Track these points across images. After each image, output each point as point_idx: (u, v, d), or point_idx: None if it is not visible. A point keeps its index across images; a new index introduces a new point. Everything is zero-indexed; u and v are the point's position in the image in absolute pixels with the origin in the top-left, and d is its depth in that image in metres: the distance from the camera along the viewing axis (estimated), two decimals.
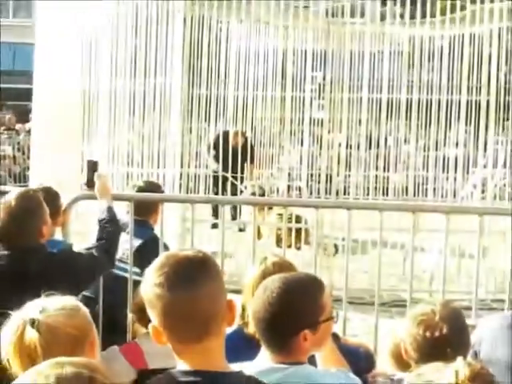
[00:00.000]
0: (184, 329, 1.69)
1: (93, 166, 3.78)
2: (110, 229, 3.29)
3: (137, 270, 3.74)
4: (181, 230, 6.57)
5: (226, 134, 9.05)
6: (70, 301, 1.96)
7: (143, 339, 3.15)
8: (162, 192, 4.69)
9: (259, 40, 10.98)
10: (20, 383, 1.29)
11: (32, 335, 1.79)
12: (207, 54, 8.45)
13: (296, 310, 2.12)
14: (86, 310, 1.96)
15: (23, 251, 2.86)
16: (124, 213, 4.06)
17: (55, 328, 1.82)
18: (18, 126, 16.39)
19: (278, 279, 2.21)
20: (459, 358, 1.50)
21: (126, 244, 3.80)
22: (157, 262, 1.76)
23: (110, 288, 3.59)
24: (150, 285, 1.71)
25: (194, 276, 1.70)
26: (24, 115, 17.11)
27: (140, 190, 4.27)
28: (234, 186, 8.75)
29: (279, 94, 11.20)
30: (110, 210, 3.41)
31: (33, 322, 1.80)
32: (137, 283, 3.68)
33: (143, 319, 2.27)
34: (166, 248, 3.92)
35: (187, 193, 8.54)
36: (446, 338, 2.24)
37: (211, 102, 9.75)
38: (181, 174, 7.00)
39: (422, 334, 2.26)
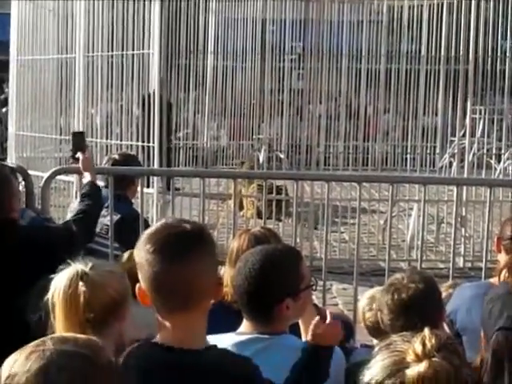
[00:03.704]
0: (169, 298, 1.71)
1: (79, 138, 3.72)
2: (89, 202, 3.27)
3: (116, 244, 3.75)
4: (162, 202, 6.56)
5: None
6: (117, 268, 2.14)
7: None
8: (139, 163, 4.66)
9: (238, 10, 10.89)
10: (16, 359, 1.29)
11: (81, 288, 1.92)
12: (186, 24, 8.36)
13: (277, 280, 2.16)
14: (127, 281, 2.05)
15: None
16: (102, 187, 4.05)
17: (100, 285, 1.95)
18: None
19: (258, 252, 2.24)
20: (426, 329, 1.53)
21: (104, 219, 3.80)
22: (154, 228, 1.78)
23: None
24: (143, 249, 1.72)
25: (187, 248, 1.71)
26: None
27: (115, 163, 4.22)
28: None
29: (258, 64, 11.17)
30: (91, 184, 3.39)
31: (82, 275, 1.94)
32: (115, 258, 3.70)
33: None
34: (146, 223, 3.92)
35: (168, 165, 8.52)
36: (414, 299, 2.30)
37: (190, 72, 9.70)
38: (160, 146, 6.96)
39: (392, 297, 2.33)
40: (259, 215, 7.04)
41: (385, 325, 2.35)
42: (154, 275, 1.69)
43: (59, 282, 1.94)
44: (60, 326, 1.90)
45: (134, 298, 2.03)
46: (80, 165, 3.50)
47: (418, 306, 2.28)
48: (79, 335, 1.43)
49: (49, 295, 1.94)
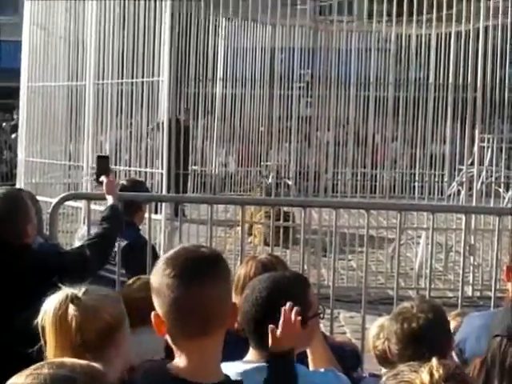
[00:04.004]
0: (187, 323, 1.70)
1: (103, 161, 3.75)
2: (107, 226, 3.28)
3: (122, 271, 3.75)
4: (169, 229, 6.56)
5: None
6: (112, 292, 2.10)
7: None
8: (147, 189, 4.67)
9: (247, 38, 10.99)
10: (14, 382, 1.29)
11: (72, 312, 1.88)
12: (195, 52, 8.44)
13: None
14: (124, 307, 2.03)
15: (9, 251, 2.85)
16: None
17: (93, 309, 1.91)
18: (3, 125, 16.32)
19: (265, 279, 2.23)
20: (434, 358, 1.51)
21: None
22: (173, 252, 1.77)
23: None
24: (161, 273, 1.71)
25: (207, 273, 1.71)
26: (9, 113, 17.02)
27: (123, 188, 4.22)
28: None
29: (267, 91, 11.23)
30: (113, 207, 3.40)
31: (73, 299, 1.90)
32: (122, 284, 3.69)
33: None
34: (153, 250, 3.92)
35: (176, 192, 8.54)
36: (423, 329, 2.28)
37: (199, 99, 9.76)
38: (169, 173, 6.99)
39: (401, 327, 2.31)
40: (266, 242, 7.03)
41: (392, 354, 2.33)
42: (174, 299, 1.68)
43: (49, 306, 1.91)
44: (51, 351, 1.87)
45: (133, 326, 2.04)
46: (104, 188, 3.52)
47: (427, 336, 2.26)
48: (79, 361, 1.42)
49: (38, 319, 1.91)
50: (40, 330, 1.89)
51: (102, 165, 3.68)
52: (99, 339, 1.91)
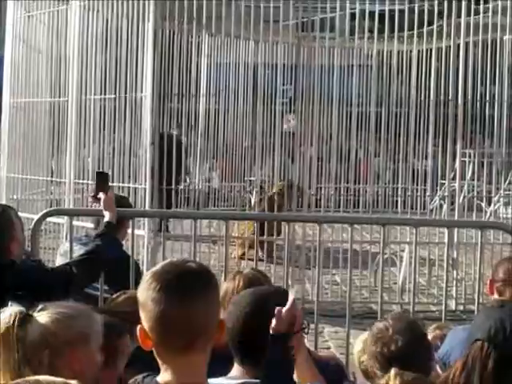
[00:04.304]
0: (173, 338, 1.69)
1: (102, 178, 3.73)
2: (100, 243, 3.26)
3: (105, 287, 3.72)
4: (153, 244, 6.53)
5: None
6: (76, 308, 1.97)
7: None
8: (130, 205, 4.65)
9: (230, 54, 11.04)
10: None
11: (16, 330, 1.81)
12: (178, 67, 8.46)
13: (268, 323, 2.13)
14: (87, 322, 1.95)
15: None
16: (92, 229, 4.04)
17: (44, 329, 1.84)
18: None
19: (249, 294, 2.23)
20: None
21: None
22: (160, 267, 1.76)
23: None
24: (147, 288, 1.70)
25: (193, 288, 1.70)
26: None
27: None
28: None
29: (250, 107, 11.27)
30: (109, 225, 3.39)
31: (21, 317, 1.83)
32: (105, 300, 3.66)
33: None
34: (137, 266, 3.90)
35: (159, 207, 8.51)
36: (402, 351, 2.26)
37: (182, 114, 9.76)
38: (152, 188, 6.98)
39: (380, 351, 2.28)
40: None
41: (376, 376, 2.32)
42: (159, 314, 1.67)
43: None
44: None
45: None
46: (101, 204, 3.50)
47: (406, 357, 2.25)
48: (55, 379, 1.39)
49: None
50: None
51: (101, 181, 3.68)
52: (48, 358, 1.83)
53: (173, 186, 8.11)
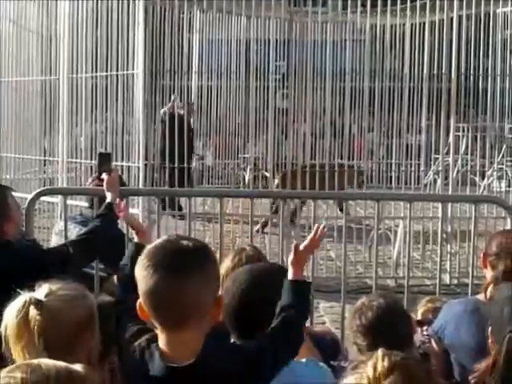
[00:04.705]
0: (162, 315, 1.72)
1: (104, 159, 3.69)
2: (99, 224, 3.25)
3: (101, 266, 3.72)
4: (147, 222, 6.52)
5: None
6: (77, 288, 1.98)
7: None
8: (124, 183, 4.64)
9: (222, 30, 10.96)
10: None
11: (34, 316, 1.81)
12: (170, 44, 8.39)
13: (266, 300, 2.14)
14: (92, 301, 1.97)
15: None
16: (86, 207, 4.03)
17: (57, 312, 1.84)
18: None
19: (246, 271, 2.24)
20: (379, 350, 1.52)
21: None
22: (155, 244, 1.78)
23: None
24: (141, 264, 1.74)
25: (185, 265, 1.71)
26: None
27: (100, 182, 4.16)
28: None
29: (243, 83, 11.21)
30: (110, 205, 3.36)
31: (36, 303, 1.82)
32: (102, 279, 3.67)
33: None
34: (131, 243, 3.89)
35: (152, 185, 8.50)
36: (379, 317, 2.33)
37: (175, 92, 9.70)
38: (145, 166, 6.96)
39: (359, 322, 2.37)
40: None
41: (361, 349, 2.37)
42: (149, 291, 1.70)
43: (9, 313, 1.84)
44: (16, 356, 1.79)
45: None
46: (104, 185, 3.47)
47: (384, 324, 2.31)
48: (56, 362, 1.39)
49: (1, 329, 1.83)
50: (3, 338, 1.82)
51: (104, 162, 3.66)
52: (64, 341, 1.84)
53: (185, 165, 8.05)
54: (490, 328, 2.15)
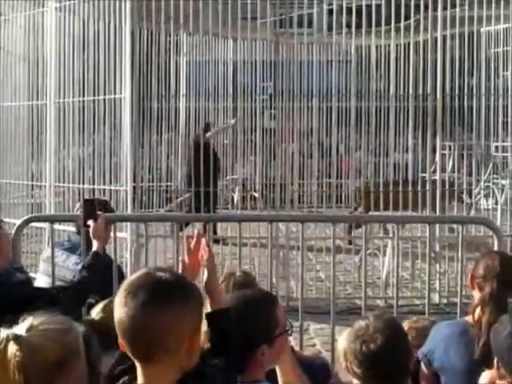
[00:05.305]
0: (132, 348, 1.71)
1: (89, 205, 3.67)
2: (87, 276, 3.25)
3: None
4: (136, 246, 6.51)
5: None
6: (61, 322, 1.90)
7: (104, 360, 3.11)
8: (112, 209, 4.62)
9: (209, 52, 11.02)
10: None
11: (13, 351, 1.75)
12: (157, 67, 8.42)
13: (252, 327, 2.14)
14: (76, 334, 1.89)
15: None
16: (74, 233, 4.02)
17: (37, 348, 1.78)
18: None
19: (233, 298, 2.23)
20: None
21: (76, 266, 3.75)
22: (133, 276, 1.78)
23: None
24: (118, 296, 1.74)
25: (155, 299, 1.69)
26: None
27: None
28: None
29: (231, 104, 11.25)
30: (96, 255, 3.35)
31: (15, 339, 1.77)
32: (90, 306, 3.64)
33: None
34: (119, 270, 3.88)
35: (141, 208, 8.48)
36: (382, 350, 2.25)
37: (163, 114, 9.73)
38: (134, 189, 6.95)
39: (360, 349, 2.27)
40: None
41: (355, 375, 2.31)
42: (121, 323, 1.70)
43: None
44: None
45: (105, 348, 1.99)
46: (90, 232, 3.47)
47: (386, 357, 2.24)
48: None
49: None
50: None
51: (89, 208, 3.65)
52: (44, 377, 1.78)
53: (211, 189, 8.08)
54: (496, 360, 2.15)
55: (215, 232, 8.42)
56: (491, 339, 2.20)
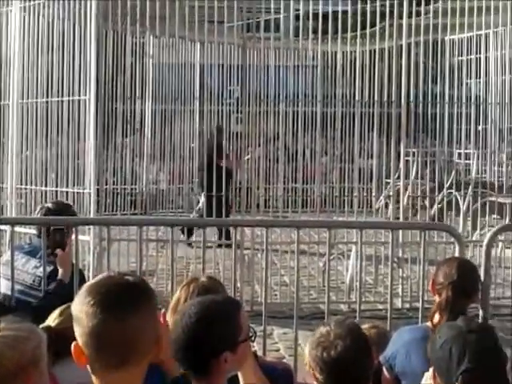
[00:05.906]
0: (106, 354, 1.66)
1: (58, 235, 3.70)
2: (47, 302, 3.27)
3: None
4: (98, 250, 6.44)
5: None
6: (22, 328, 1.85)
7: (58, 368, 3.05)
8: (74, 212, 4.56)
9: (176, 55, 10.98)
10: None
11: None
12: (123, 70, 8.36)
13: (215, 333, 2.12)
14: (38, 341, 1.85)
15: None
16: (35, 235, 3.96)
17: None
18: None
19: (196, 304, 2.20)
20: None
21: (36, 270, 3.70)
22: (96, 280, 1.73)
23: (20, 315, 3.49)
24: (82, 302, 1.66)
25: (128, 303, 1.67)
26: None
27: (48, 212, 4.07)
28: None
29: (197, 108, 11.23)
30: (60, 283, 3.42)
31: None
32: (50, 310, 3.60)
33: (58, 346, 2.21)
34: (81, 274, 3.83)
35: (105, 210, 8.40)
36: (341, 356, 2.25)
37: (128, 117, 9.67)
38: (98, 191, 6.88)
39: (321, 356, 2.26)
40: None
41: (318, 380, 2.31)
42: (92, 329, 1.64)
43: None
44: None
45: (62, 356, 1.94)
46: (57, 260, 3.53)
47: (347, 363, 2.24)
48: None
49: None
50: None
51: (57, 237, 3.65)
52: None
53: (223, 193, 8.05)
54: (432, 369, 2.15)
55: (228, 237, 8.35)
56: (428, 348, 2.19)
